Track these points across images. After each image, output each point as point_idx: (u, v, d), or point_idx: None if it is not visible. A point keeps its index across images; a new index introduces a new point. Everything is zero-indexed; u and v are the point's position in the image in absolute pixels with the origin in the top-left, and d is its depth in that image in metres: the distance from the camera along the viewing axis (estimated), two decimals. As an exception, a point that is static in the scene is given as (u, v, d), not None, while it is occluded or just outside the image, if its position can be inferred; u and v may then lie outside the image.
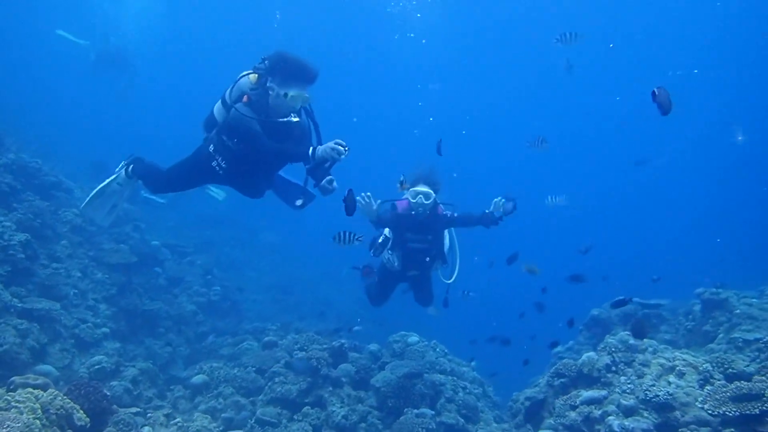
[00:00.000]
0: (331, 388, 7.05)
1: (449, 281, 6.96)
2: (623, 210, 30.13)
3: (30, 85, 26.42)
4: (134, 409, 5.74)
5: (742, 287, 8.30)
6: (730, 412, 4.44)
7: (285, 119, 4.82)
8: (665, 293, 9.08)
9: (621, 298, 6.42)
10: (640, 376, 5.72)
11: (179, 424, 6.21)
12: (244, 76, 5.02)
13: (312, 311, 13.17)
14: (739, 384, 4.72)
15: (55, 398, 4.09)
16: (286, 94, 4.75)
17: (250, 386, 7.28)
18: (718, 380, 5.10)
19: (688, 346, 7.24)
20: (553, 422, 6.01)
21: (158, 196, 11.04)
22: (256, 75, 4.93)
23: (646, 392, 5.33)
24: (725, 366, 5.18)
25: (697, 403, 4.91)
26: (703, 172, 29.75)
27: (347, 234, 4.99)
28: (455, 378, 8.09)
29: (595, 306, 9.21)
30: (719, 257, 17.72)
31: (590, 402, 5.75)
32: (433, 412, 6.87)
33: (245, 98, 4.88)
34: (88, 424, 4.40)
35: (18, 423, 3.35)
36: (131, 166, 5.93)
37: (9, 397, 3.87)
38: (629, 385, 5.65)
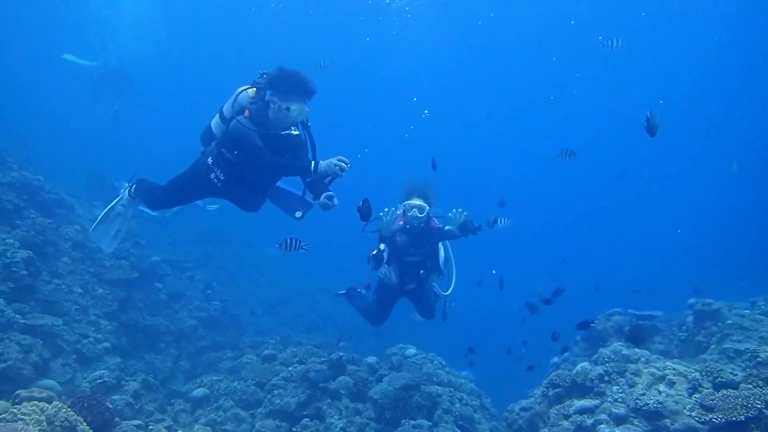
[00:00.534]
0: (329, 401, 7.13)
1: (446, 294, 7.06)
2: (620, 219, 30.33)
3: (28, 100, 26.65)
4: (136, 422, 5.82)
5: (736, 298, 8.44)
6: (716, 419, 4.56)
7: (285, 132, 4.94)
8: (659, 304, 9.21)
9: (584, 320, 6.50)
10: (631, 386, 5.84)
11: (180, 435, 6.32)
12: (242, 91, 5.12)
13: (311, 325, 13.28)
14: (725, 392, 4.85)
15: (59, 411, 4.20)
16: (288, 108, 4.85)
17: (249, 399, 7.37)
18: (707, 389, 5.22)
19: (682, 357, 7.35)
20: (547, 431, 6.12)
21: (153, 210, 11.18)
22: (255, 89, 5.04)
23: (637, 401, 5.45)
24: (714, 375, 5.29)
25: (685, 411, 5.03)
26: (700, 183, 29.98)
27: (294, 241, 5.02)
28: (452, 389, 8.18)
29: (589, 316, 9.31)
30: (714, 266, 17.85)
31: (583, 411, 5.87)
32: (430, 423, 6.96)
33: (246, 113, 4.96)
34: (92, 436, 4.51)
35: (26, 434, 3.48)
36: (134, 186, 6.03)
37: (15, 410, 3.99)
38: (621, 394, 5.77)
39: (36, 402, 4.28)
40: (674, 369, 5.77)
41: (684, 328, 8.14)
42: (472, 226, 6.30)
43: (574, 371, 6.56)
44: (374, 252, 6.44)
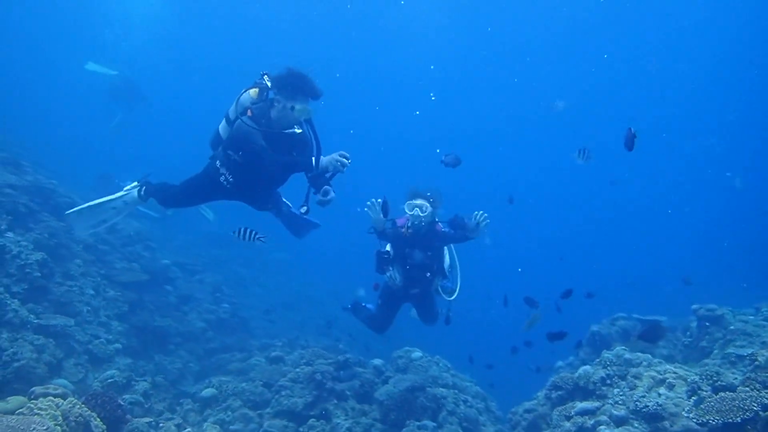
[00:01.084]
0: (335, 401, 7.25)
1: (451, 298, 7.13)
2: (623, 222, 30.32)
3: (42, 105, 26.92)
4: (147, 419, 5.96)
5: (741, 304, 8.50)
6: (713, 421, 4.65)
7: (289, 131, 5.07)
8: (663, 310, 9.28)
9: (557, 331, 6.57)
10: (632, 388, 5.93)
11: (189, 433, 6.47)
12: (244, 92, 5.21)
13: (318, 328, 13.40)
14: (723, 394, 4.93)
15: (74, 406, 4.35)
16: (292, 107, 4.95)
17: (257, 399, 7.48)
18: (706, 392, 5.30)
19: (686, 362, 7.41)
20: (549, 432, 6.23)
21: (153, 210, 11.29)
22: (257, 89, 5.13)
23: (637, 403, 5.54)
24: (713, 379, 5.37)
25: (683, 413, 5.11)
26: (705, 189, 29.96)
27: (249, 231, 5.10)
28: (457, 392, 8.27)
29: (594, 322, 9.40)
30: (722, 271, 17.87)
31: (584, 413, 5.95)
32: (434, 425, 7.05)
33: (249, 112, 5.06)
34: (104, 432, 4.66)
35: (44, 427, 3.62)
36: (144, 187, 6.13)
37: (32, 405, 4.14)
38: (621, 397, 5.86)
39: (51, 398, 4.43)
40: (674, 372, 5.85)
41: (688, 333, 8.22)
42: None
43: (577, 374, 6.65)
44: (379, 252, 6.55)
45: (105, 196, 6.25)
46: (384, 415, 7.13)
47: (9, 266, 7.13)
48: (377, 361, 8.47)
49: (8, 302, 6.54)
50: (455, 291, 6.97)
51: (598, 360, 6.74)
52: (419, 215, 6.39)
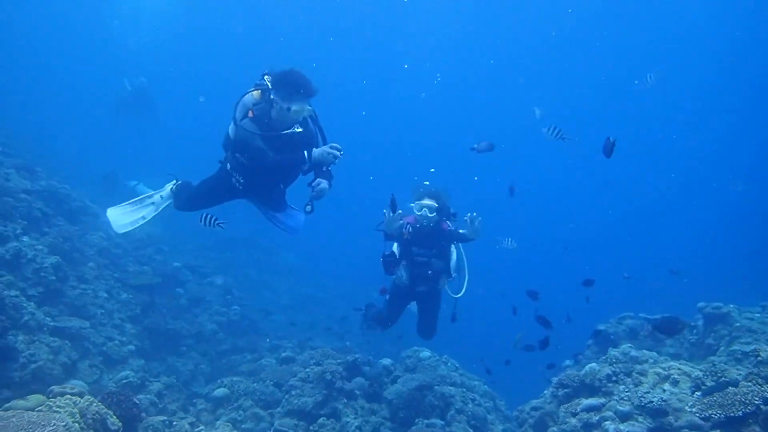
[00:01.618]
0: (345, 400, 7.34)
1: (458, 296, 7.19)
2: (625, 222, 30.26)
3: (55, 109, 27.11)
4: (161, 418, 6.09)
5: (749, 302, 8.55)
6: (716, 415, 4.73)
7: (288, 131, 5.13)
8: (669, 309, 9.33)
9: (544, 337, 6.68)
10: (637, 384, 6.01)
11: (203, 431, 6.59)
12: (247, 93, 5.26)
13: (328, 330, 13.49)
14: (726, 389, 5.02)
15: (91, 404, 4.49)
16: (289, 108, 4.99)
17: (268, 399, 7.60)
18: (709, 387, 5.37)
19: (692, 359, 7.46)
20: (556, 429, 6.30)
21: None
22: (259, 91, 5.19)
23: (641, 398, 5.61)
24: (717, 374, 5.44)
25: (687, 408, 5.19)
26: (713, 184, 29.88)
27: (210, 218, 5.15)
28: (465, 390, 8.36)
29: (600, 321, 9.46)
30: (725, 271, 17.85)
31: (590, 409, 6.04)
32: (443, 423, 7.15)
33: (250, 113, 5.12)
34: (120, 429, 4.78)
35: (63, 422, 3.75)
36: (178, 184, 6.26)
37: (51, 403, 4.28)
38: (626, 393, 5.94)
39: (69, 396, 4.57)
40: (679, 369, 5.93)
41: (694, 331, 8.26)
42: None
43: (583, 372, 6.72)
44: (387, 252, 6.64)
45: (144, 192, 6.40)
46: (393, 413, 7.24)
47: (25, 270, 7.30)
48: (386, 361, 8.56)
49: (25, 305, 6.70)
50: (462, 289, 7.05)
51: (604, 357, 6.82)
52: (427, 215, 6.49)
